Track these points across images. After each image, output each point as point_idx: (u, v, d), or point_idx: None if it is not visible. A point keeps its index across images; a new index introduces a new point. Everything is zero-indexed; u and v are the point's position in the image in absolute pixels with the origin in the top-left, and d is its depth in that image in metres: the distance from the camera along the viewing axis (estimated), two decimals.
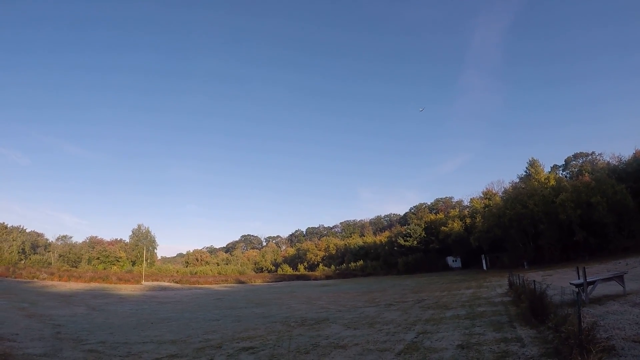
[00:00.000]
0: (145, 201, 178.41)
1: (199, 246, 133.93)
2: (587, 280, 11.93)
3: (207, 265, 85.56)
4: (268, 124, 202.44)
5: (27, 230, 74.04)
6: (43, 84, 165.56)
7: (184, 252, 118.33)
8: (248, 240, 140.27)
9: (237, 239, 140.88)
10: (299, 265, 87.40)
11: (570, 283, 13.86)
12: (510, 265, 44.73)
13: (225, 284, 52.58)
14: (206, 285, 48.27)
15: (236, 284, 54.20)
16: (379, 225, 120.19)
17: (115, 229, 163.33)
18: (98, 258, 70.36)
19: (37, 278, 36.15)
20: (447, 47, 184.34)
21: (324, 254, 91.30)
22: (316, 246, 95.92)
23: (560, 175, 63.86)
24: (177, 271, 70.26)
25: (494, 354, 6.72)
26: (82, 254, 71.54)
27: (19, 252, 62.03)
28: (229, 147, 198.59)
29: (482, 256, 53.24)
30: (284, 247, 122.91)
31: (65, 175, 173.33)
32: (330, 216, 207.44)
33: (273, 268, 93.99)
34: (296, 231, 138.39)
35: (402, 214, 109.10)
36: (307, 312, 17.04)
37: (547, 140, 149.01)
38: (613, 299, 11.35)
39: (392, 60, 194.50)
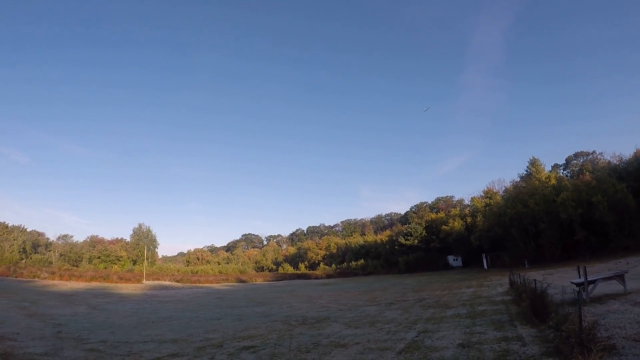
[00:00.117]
0: (146, 199, 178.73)
1: (200, 245, 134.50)
2: (588, 280, 11.91)
3: (208, 264, 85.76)
4: (269, 121, 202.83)
5: (28, 230, 73.97)
6: (42, 81, 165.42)
7: (185, 251, 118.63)
8: (249, 239, 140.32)
9: (238, 238, 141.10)
10: (300, 264, 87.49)
11: (571, 282, 13.83)
12: (511, 264, 44.69)
13: (226, 283, 52.67)
14: (207, 284, 48.36)
15: (237, 283, 54.30)
16: (379, 224, 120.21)
17: (116, 228, 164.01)
18: (99, 257, 70.49)
19: (38, 277, 36.30)
20: (448, 44, 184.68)
21: (324, 252, 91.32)
22: (317, 245, 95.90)
23: (561, 174, 63.86)
24: (178, 270, 70.49)
25: (495, 352, 6.71)
26: (83, 253, 71.68)
27: (19, 252, 62.18)
28: (230, 144, 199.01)
29: (483, 255, 53.21)
30: (284, 246, 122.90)
31: (65, 173, 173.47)
32: (331, 215, 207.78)
33: (274, 267, 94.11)
34: (297, 230, 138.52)
35: (403, 212, 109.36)
36: (308, 311, 17.06)
37: (548, 138, 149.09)
38: (614, 298, 11.32)
39: (393, 57, 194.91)
